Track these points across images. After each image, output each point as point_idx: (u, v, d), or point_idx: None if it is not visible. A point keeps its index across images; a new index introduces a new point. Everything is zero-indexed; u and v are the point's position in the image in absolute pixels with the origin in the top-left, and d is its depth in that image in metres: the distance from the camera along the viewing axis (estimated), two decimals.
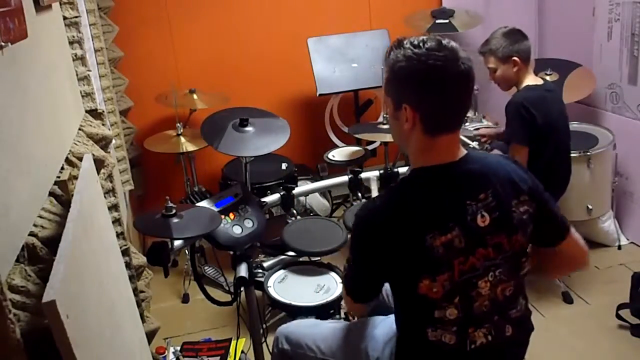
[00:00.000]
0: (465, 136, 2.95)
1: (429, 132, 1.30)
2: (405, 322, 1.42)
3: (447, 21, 3.45)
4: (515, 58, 2.50)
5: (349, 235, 1.59)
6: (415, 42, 1.27)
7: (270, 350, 1.85)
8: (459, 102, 1.30)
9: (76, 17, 1.78)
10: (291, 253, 2.17)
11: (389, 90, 1.34)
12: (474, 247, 1.30)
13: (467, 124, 3.30)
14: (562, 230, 1.45)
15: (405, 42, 1.29)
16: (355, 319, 1.80)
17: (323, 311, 1.89)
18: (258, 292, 2.11)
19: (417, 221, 1.28)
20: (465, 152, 1.35)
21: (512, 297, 1.39)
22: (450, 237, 1.27)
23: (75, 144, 1.55)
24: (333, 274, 2.07)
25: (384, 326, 1.60)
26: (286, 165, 3.19)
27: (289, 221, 2.36)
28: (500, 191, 1.32)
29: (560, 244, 1.45)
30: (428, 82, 1.26)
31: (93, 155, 1.56)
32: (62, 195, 1.30)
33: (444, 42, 1.28)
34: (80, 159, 1.48)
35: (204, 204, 2.12)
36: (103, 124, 1.89)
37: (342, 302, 1.66)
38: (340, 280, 2.00)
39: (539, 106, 2.46)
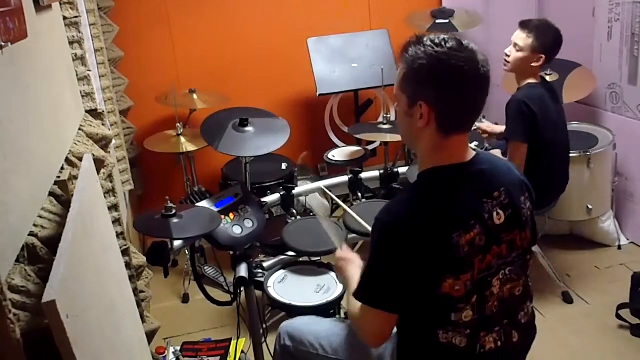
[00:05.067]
0: None
1: (443, 131, 1.30)
2: (413, 323, 1.41)
3: (447, 21, 3.45)
4: (543, 56, 2.51)
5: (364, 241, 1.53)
6: (437, 41, 1.26)
7: (271, 349, 1.84)
8: (475, 104, 1.31)
9: (76, 17, 1.79)
10: (291, 253, 2.17)
11: (405, 86, 1.32)
12: (490, 244, 1.31)
13: None
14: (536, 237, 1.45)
15: (425, 40, 1.27)
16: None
17: (323, 311, 1.89)
18: (258, 292, 2.11)
19: (444, 221, 1.28)
20: (474, 153, 1.37)
21: (521, 298, 1.40)
22: (473, 235, 1.28)
23: (75, 144, 1.55)
24: (333, 274, 2.06)
25: None
26: (286, 165, 3.19)
27: (289, 221, 2.36)
28: (511, 189, 1.35)
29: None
30: (448, 81, 1.26)
31: (93, 155, 1.57)
32: (62, 195, 1.30)
33: (465, 43, 1.28)
34: (80, 159, 1.48)
35: (204, 204, 2.12)
36: (103, 124, 1.89)
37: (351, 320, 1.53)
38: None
39: (539, 104, 2.48)
